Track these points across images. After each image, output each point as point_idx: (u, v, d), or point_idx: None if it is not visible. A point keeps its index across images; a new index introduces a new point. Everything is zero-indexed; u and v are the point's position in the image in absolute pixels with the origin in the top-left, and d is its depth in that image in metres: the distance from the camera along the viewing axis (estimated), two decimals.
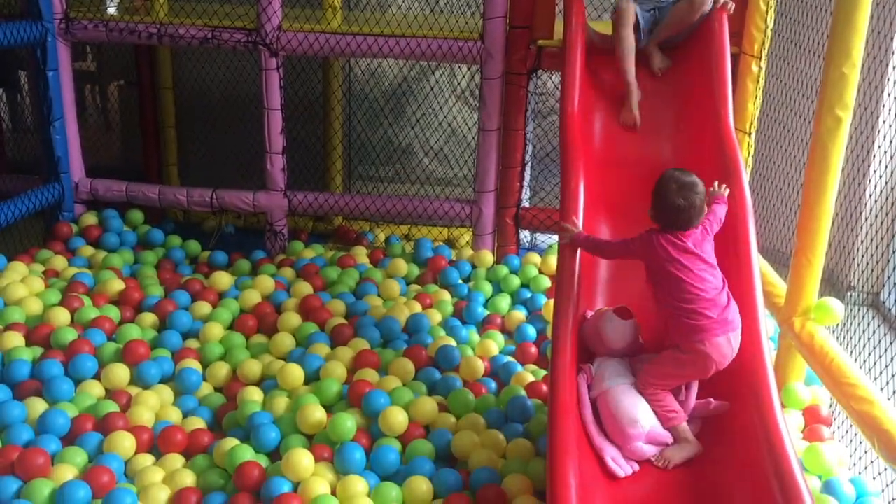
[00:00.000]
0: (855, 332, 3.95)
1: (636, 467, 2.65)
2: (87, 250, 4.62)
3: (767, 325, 2.87)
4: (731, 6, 3.57)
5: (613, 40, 3.44)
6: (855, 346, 3.77)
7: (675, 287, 2.66)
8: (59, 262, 4.43)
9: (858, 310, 4.57)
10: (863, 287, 4.64)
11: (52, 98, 4.64)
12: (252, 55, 4.88)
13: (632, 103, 3.17)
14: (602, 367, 2.81)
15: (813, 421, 3.36)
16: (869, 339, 3.71)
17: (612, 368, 2.79)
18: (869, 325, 4.14)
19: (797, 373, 3.47)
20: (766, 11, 3.95)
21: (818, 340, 3.20)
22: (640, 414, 2.66)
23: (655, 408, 2.71)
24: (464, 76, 5.94)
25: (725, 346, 2.64)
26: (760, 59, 4.04)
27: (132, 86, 5.90)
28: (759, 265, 2.93)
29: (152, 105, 5.65)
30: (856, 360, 3.50)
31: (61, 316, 3.75)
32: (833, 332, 3.44)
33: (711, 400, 2.71)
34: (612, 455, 2.65)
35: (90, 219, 4.87)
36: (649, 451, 2.67)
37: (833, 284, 4.67)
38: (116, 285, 4.08)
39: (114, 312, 3.87)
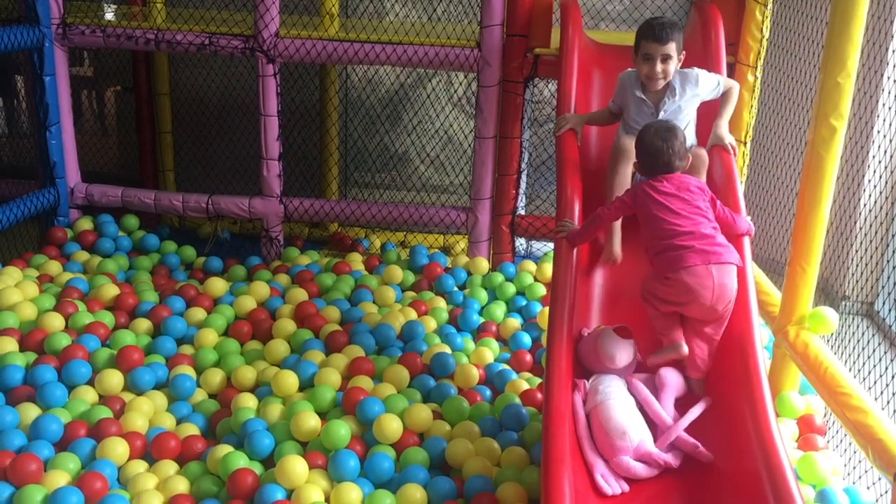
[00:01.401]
0: (849, 341, 3.96)
1: (626, 487, 2.60)
2: (82, 255, 4.61)
3: (762, 334, 2.87)
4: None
5: (608, 172, 3.28)
6: (849, 355, 3.78)
7: (656, 226, 2.76)
8: (54, 267, 4.42)
9: (853, 319, 4.57)
10: (857, 296, 4.65)
11: (49, 103, 4.64)
12: (249, 61, 4.88)
13: (612, 244, 3.18)
14: (597, 381, 2.80)
15: (807, 430, 3.36)
16: (863, 348, 3.71)
17: (606, 383, 2.77)
18: (863, 334, 4.15)
19: (791, 382, 3.47)
20: (762, 21, 3.97)
21: (812, 349, 3.20)
22: (629, 426, 2.63)
23: (656, 329, 2.82)
24: (461, 84, 5.95)
25: (705, 275, 2.66)
26: (756, 68, 4.05)
27: (129, 91, 5.90)
28: (754, 274, 2.94)
29: (149, 110, 5.64)
30: (850, 369, 3.51)
31: (55, 321, 3.74)
32: (827, 341, 3.45)
33: (700, 446, 2.64)
34: (601, 472, 2.62)
35: (85, 224, 4.86)
36: (639, 470, 2.61)
37: (827, 294, 4.67)
38: (111, 291, 4.07)
39: (108, 318, 3.86)
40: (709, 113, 3.39)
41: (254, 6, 4.50)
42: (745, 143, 4.19)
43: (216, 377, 3.53)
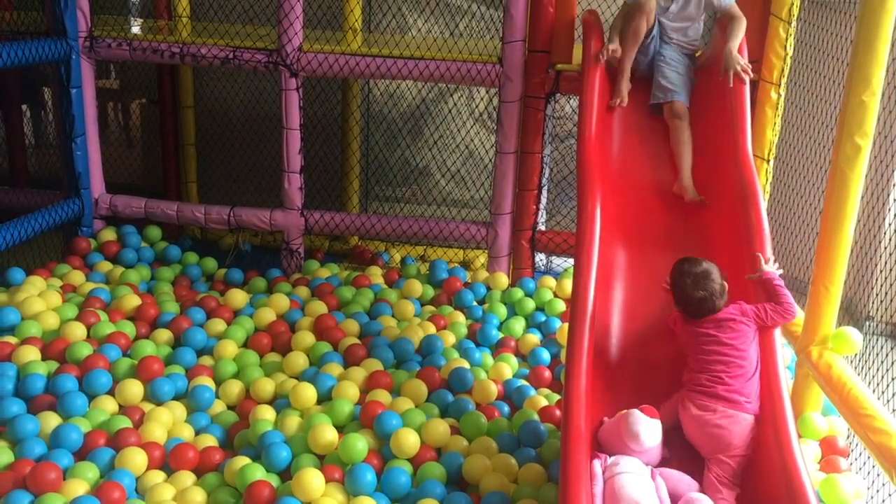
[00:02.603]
0: (873, 362, 3.90)
1: None
2: (105, 266, 4.65)
3: (784, 354, 2.84)
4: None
5: (623, 26, 3.73)
6: (873, 376, 3.73)
7: (690, 358, 2.81)
8: (77, 276, 4.46)
9: (877, 340, 4.52)
10: (881, 317, 4.59)
11: (75, 115, 4.70)
12: (272, 75, 4.92)
13: (621, 84, 3.69)
14: (619, 457, 2.65)
15: (830, 452, 3.31)
16: (888, 369, 3.66)
17: (628, 460, 2.62)
18: (888, 355, 4.08)
19: (814, 403, 3.43)
20: (786, 39, 3.95)
21: (836, 370, 3.16)
22: (643, 500, 2.48)
23: None
24: (482, 99, 5.97)
25: (696, 414, 2.68)
26: (779, 86, 4.03)
27: (154, 104, 5.96)
28: None
29: (173, 123, 5.71)
30: (874, 390, 3.45)
31: (77, 331, 3.77)
32: (851, 361, 3.40)
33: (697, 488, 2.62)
34: None
35: (109, 234, 4.91)
36: None
37: (851, 314, 4.62)
38: (133, 301, 4.10)
39: (129, 328, 3.89)
40: (723, 126, 3.38)
41: (277, 21, 4.55)
42: (769, 161, 4.16)
43: (235, 389, 3.54)
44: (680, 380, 2.84)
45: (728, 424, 2.64)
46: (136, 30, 5.15)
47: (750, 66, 3.60)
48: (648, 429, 2.63)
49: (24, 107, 6.00)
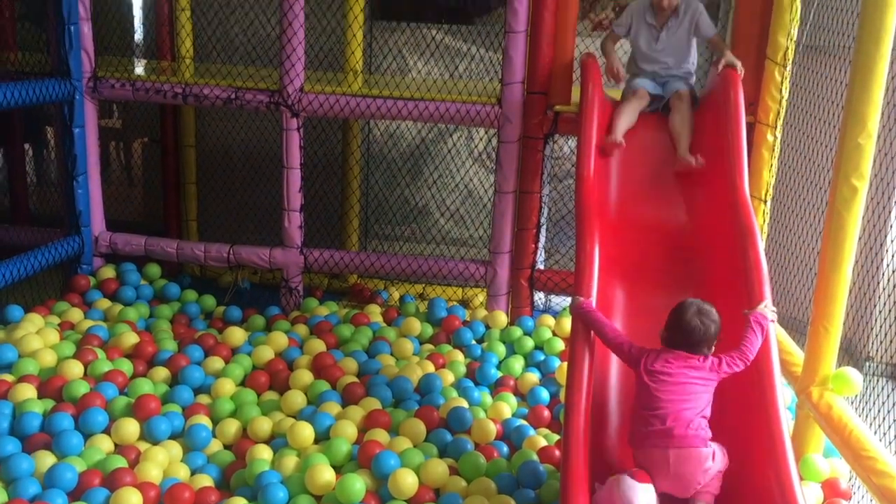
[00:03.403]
0: (874, 403, 3.88)
1: None
2: (104, 303, 4.65)
3: (785, 395, 2.83)
4: (741, 69, 3.82)
5: (620, 108, 3.92)
6: (874, 417, 3.71)
7: (643, 393, 2.71)
8: (76, 314, 4.46)
9: (877, 380, 4.50)
10: (881, 357, 4.58)
11: (77, 154, 4.73)
12: (274, 115, 4.97)
13: (617, 127, 3.81)
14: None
15: (832, 494, 3.28)
16: (889, 410, 3.64)
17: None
18: (889, 396, 4.07)
19: (815, 444, 3.40)
20: (781, 82, 4.00)
21: (836, 411, 3.15)
22: None
23: None
24: (481, 139, 6.02)
25: (661, 459, 2.63)
26: (775, 128, 4.08)
27: (156, 143, 6.01)
28: (776, 332, 2.91)
29: (175, 162, 5.74)
30: (875, 432, 3.43)
31: (74, 369, 3.76)
32: (852, 402, 3.39)
33: None
34: None
35: (108, 272, 4.92)
36: None
37: (851, 354, 4.61)
38: (131, 339, 4.09)
39: (127, 366, 3.88)
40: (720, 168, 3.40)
41: (280, 62, 4.61)
42: (766, 201, 4.19)
43: (232, 427, 3.52)
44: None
45: (698, 458, 2.62)
46: (139, 70, 5.20)
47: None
48: (642, 495, 2.60)
49: (26, 145, 6.04)
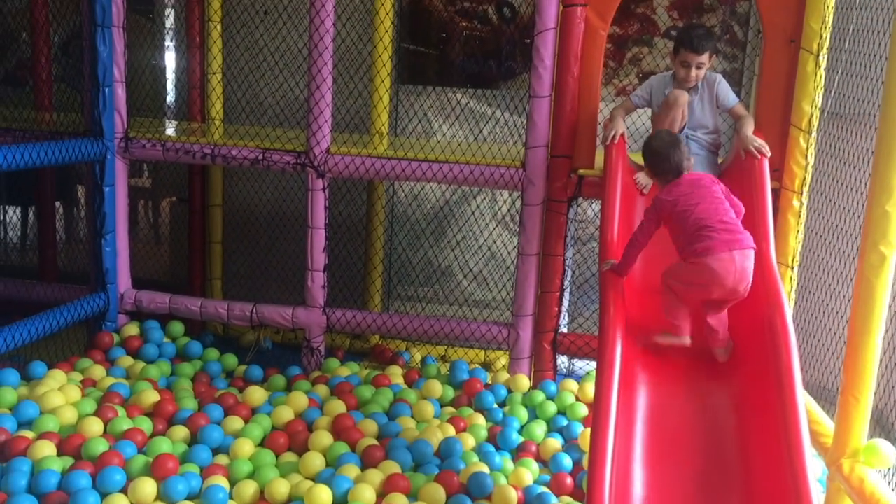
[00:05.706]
0: None
1: None
2: (126, 360, 4.66)
3: (815, 467, 2.75)
4: (768, 151, 3.81)
5: (659, 117, 4.04)
6: None
7: (682, 222, 3.08)
8: (98, 371, 4.47)
9: None
10: None
11: (107, 212, 4.81)
12: (300, 175, 5.03)
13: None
14: None
15: None
16: None
17: None
18: None
19: None
20: (806, 149, 4.01)
21: (868, 485, 3.05)
22: None
23: (664, 308, 3.14)
24: (505, 201, 6.05)
25: (728, 260, 2.98)
26: (801, 194, 4.06)
27: (183, 202, 6.10)
28: (805, 402, 2.85)
29: (201, 221, 5.81)
30: None
31: (94, 426, 3.75)
32: (884, 476, 3.28)
33: None
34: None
35: (132, 329, 4.94)
36: None
37: (883, 426, 4.48)
38: (151, 397, 4.09)
39: (146, 424, 3.86)
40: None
41: (307, 124, 4.69)
42: (793, 268, 4.14)
43: (249, 489, 3.47)
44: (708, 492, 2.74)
45: (751, 257, 3.05)
46: (170, 131, 5.32)
47: (766, 145, 3.78)
48: None
49: (57, 203, 6.16)
